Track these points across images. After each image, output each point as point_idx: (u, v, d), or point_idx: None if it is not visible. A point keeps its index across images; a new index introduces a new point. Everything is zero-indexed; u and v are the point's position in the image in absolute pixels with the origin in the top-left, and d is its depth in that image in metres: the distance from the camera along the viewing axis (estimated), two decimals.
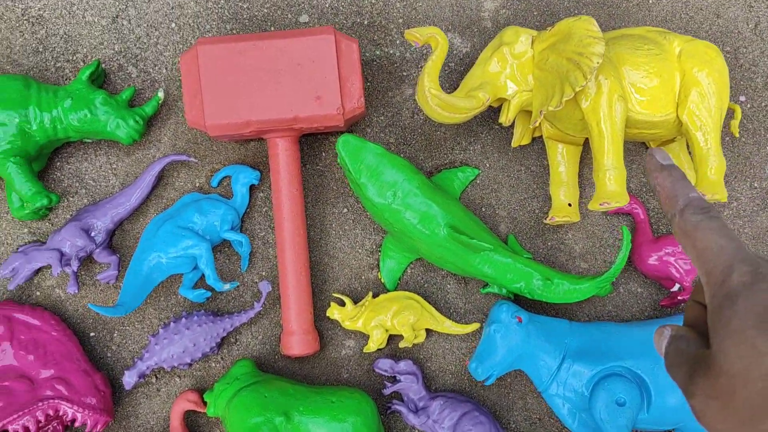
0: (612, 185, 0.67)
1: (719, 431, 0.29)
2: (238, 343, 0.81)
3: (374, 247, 0.82)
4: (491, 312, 0.75)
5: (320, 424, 0.71)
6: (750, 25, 0.83)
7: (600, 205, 0.67)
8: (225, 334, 0.77)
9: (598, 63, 0.63)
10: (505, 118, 0.72)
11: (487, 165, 0.82)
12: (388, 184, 0.73)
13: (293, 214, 0.77)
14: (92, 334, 0.81)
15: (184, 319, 0.76)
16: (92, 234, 0.77)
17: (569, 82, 0.65)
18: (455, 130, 0.82)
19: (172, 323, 0.76)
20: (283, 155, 0.76)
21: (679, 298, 0.76)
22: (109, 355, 0.80)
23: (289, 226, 0.77)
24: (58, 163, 0.81)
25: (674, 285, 0.77)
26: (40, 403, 0.72)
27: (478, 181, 0.82)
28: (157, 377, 0.80)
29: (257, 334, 0.81)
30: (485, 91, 0.70)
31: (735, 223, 0.81)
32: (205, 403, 0.77)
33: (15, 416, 0.71)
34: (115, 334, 0.81)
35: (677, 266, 0.75)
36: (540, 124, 0.78)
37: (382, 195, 0.73)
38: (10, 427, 0.71)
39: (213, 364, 0.81)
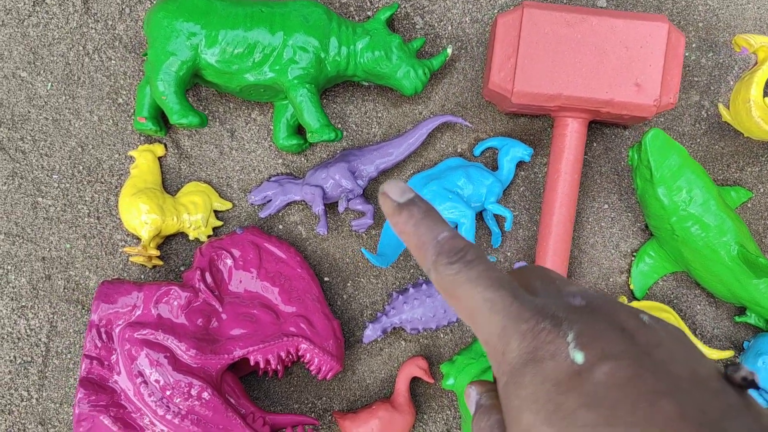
0: None
1: None
2: None
3: (629, 250, 0.78)
4: (757, 343, 0.71)
5: None
6: None
7: None
8: None
9: None
10: None
11: (762, 190, 0.78)
12: (685, 189, 0.69)
13: (567, 200, 0.73)
14: (326, 279, 0.78)
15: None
16: (356, 179, 0.75)
17: None
18: (735, 147, 0.78)
19: (424, 284, 0.73)
20: (571, 137, 0.73)
21: None
22: (338, 303, 0.78)
23: (560, 211, 0.73)
24: (324, 101, 0.79)
25: None
26: (285, 339, 0.70)
27: (748, 205, 0.78)
28: (383, 336, 0.77)
29: None
30: None
31: None
32: (431, 374, 0.74)
33: (260, 346, 0.69)
34: (349, 284, 0.78)
35: None
36: None
37: (675, 198, 0.69)
38: (251, 357, 0.69)
39: (441, 335, 0.78)
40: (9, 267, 0.75)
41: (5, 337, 0.75)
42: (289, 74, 0.69)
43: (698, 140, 0.79)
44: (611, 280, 0.78)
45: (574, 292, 0.26)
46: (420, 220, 0.27)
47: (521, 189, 0.79)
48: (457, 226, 0.74)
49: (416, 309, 0.72)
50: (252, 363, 0.69)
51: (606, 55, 0.69)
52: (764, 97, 0.68)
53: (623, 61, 0.69)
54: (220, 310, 0.70)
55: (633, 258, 0.78)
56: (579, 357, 0.22)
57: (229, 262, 0.72)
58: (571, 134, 0.73)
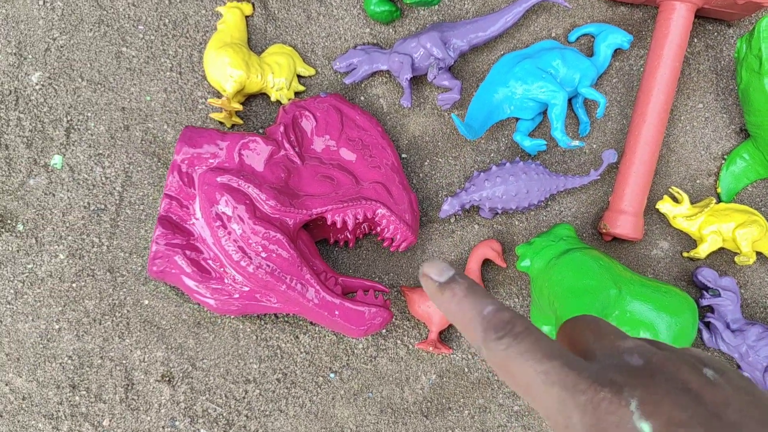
0: None
1: None
2: (550, 208, 0.76)
3: (720, 152, 0.75)
4: None
5: (648, 310, 0.66)
6: None
7: None
8: (556, 192, 0.72)
9: None
10: None
11: None
12: None
13: (666, 88, 0.71)
14: (404, 155, 0.77)
15: (521, 164, 0.71)
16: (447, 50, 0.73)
17: None
18: None
19: (507, 164, 0.71)
20: (677, 22, 0.70)
21: None
22: (414, 181, 0.77)
23: (658, 99, 0.71)
24: None
25: None
26: (364, 201, 0.68)
27: None
28: (456, 218, 0.76)
29: (573, 204, 0.76)
30: None
31: None
32: (503, 259, 0.73)
33: (339, 206, 0.68)
34: (426, 163, 0.76)
35: None
36: None
37: None
38: (329, 216, 0.68)
39: (516, 222, 0.76)
40: (89, 114, 0.75)
41: (81, 182, 0.75)
42: None
43: None
44: (698, 181, 0.76)
45: (631, 348, 0.25)
46: (463, 297, 0.27)
47: (614, 80, 0.76)
48: (548, 108, 0.72)
49: (498, 186, 0.70)
50: (329, 222, 0.68)
51: None
52: None
53: None
54: (301, 166, 0.69)
55: (723, 161, 0.75)
56: (646, 428, 0.21)
57: (312, 123, 0.71)
58: (677, 20, 0.70)
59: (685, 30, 0.70)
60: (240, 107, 0.72)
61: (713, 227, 0.71)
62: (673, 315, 0.66)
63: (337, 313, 0.66)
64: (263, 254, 0.65)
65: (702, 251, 0.71)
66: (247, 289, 0.66)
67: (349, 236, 0.74)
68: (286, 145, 0.69)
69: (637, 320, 0.65)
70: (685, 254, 0.73)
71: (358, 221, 0.69)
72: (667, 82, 0.70)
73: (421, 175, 0.76)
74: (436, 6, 0.76)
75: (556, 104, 0.71)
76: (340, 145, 0.71)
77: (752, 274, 0.75)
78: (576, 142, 0.71)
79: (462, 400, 0.74)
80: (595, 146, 0.76)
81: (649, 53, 0.71)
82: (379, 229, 0.70)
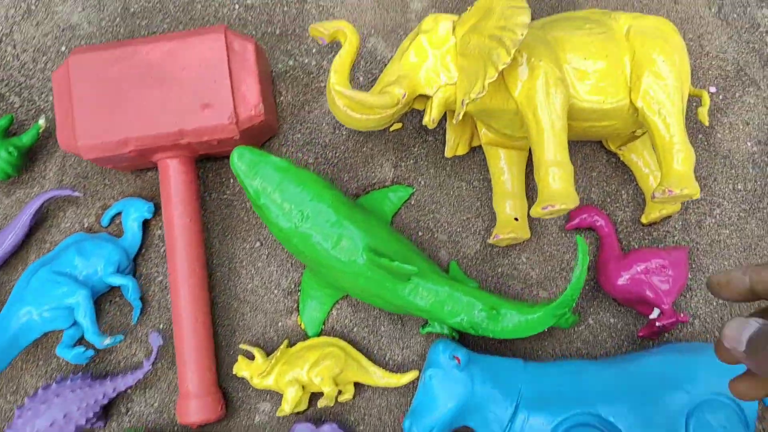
0: (556, 183, 0.54)
1: None
2: (130, 413, 0.66)
3: (293, 286, 0.69)
4: (428, 354, 0.61)
5: None
6: (713, 10, 0.73)
7: (543, 209, 0.54)
8: (106, 402, 0.63)
9: (522, 35, 0.52)
10: (428, 118, 0.61)
11: (422, 182, 0.70)
12: (295, 204, 0.60)
13: (189, 248, 0.64)
14: None
15: (54, 385, 0.63)
16: None
17: (491, 61, 0.54)
18: (384, 144, 0.71)
19: (40, 390, 0.62)
20: (175, 179, 0.65)
21: (658, 324, 0.62)
22: None
23: (183, 264, 0.64)
24: None
25: (652, 310, 0.63)
26: None
27: (412, 201, 0.70)
28: None
29: (152, 400, 0.67)
30: (401, 86, 0.59)
31: (720, 233, 0.68)
32: None
33: None
34: None
35: (653, 285, 0.62)
36: (477, 129, 0.67)
37: (287, 217, 0.60)
38: None
39: None
40: None
41: None
42: None
43: (342, 146, 0.71)
44: (280, 324, 0.68)
45: None
46: None
47: (162, 249, 0.70)
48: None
49: (36, 419, 0.61)
50: None
51: (165, 83, 0.62)
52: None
53: (186, 84, 0.62)
54: None
55: (299, 293, 0.68)
56: None
57: None
58: (174, 176, 0.65)
59: (187, 182, 0.65)
60: None
61: (289, 376, 0.63)
62: None
63: None
64: None
65: (285, 409, 0.63)
66: None
67: None
68: None
69: None
70: (278, 413, 0.64)
71: None
72: (189, 242, 0.64)
73: None
74: None
75: (78, 304, 0.63)
76: None
77: (366, 405, 0.66)
78: (108, 341, 0.63)
79: None
80: (162, 326, 0.68)
81: (163, 217, 0.65)
82: None
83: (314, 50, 0.73)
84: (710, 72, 0.71)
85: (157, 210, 0.69)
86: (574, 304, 0.60)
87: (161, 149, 0.63)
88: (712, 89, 0.70)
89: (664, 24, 0.61)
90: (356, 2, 0.74)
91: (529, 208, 0.67)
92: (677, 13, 0.73)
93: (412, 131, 0.71)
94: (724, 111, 0.70)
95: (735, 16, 0.72)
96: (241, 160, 0.61)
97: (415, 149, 0.71)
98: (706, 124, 0.61)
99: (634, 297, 0.63)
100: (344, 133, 0.71)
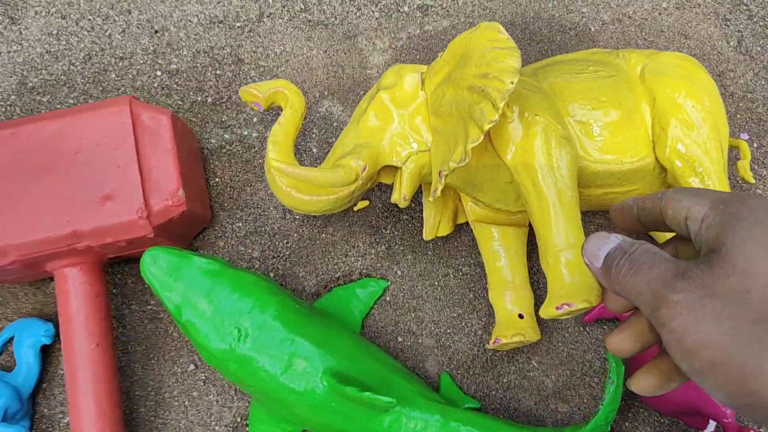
0: (571, 276, 0.40)
1: (705, 334, 0.23)
2: None
3: (239, 419, 0.53)
4: None
5: None
6: (731, 43, 0.61)
7: (558, 309, 0.40)
8: None
9: (512, 83, 0.39)
10: (398, 195, 0.47)
11: (398, 273, 0.56)
12: (230, 317, 0.46)
13: (96, 383, 0.49)
14: None
15: None
16: None
17: (474, 120, 0.40)
18: (347, 227, 0.57)
19: None
20: (75, 294, 0.50)
21: None
22: None
23: (88, 404, 0.48)
24: None
25: (706, 423, 0.48)
26: None
27: (387, 298, 0.55)
28: None
29: None
30: (359, 157, 0.45)
31: None
32: None
33: None
34: None
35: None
36: (463, 202, 0.53)
37: (220, 336, 0.46)
38: None
39: None
40: None
41: None
42: None
43: (295, 235, 0.57)
44: None
45: None
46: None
47: None
48: None
49: None
50: None
51: (57, 171, 0.48)
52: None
53: (80, 172, 0.48)
54: None
55: (247, 428, 0.53)
56: None
57: None
58: (75, 289, 0.50)
59: (91, 296, 0.50)
60: None
61: None
62: None
63: None
64: None
65: None
66: None
67: None
68: None
69: None
70: None
71: None
72: (95, 374, 0.49)
73: None
74: None
75: None
76: None
77: None
78: None
79: None
80: None
81: (62, 345, 0.50)
82: None
83: (255, 119, 0.59)
84: (738, 116, 0.59)
85: (58, 331, 0.54)
86: (608, 429, 0.45)
87: (54, 257, 0.48)
88: (744, 136, 0.58)
89: (685, 60, 0.49)
90: (304, 60, 0.61)
91: (536, 300, 0.53)
92: (690, 50, 0.61)
93: (382, 209, 0.57)
94: (762, 162, 0.57)
95: (759, 48, 0.61)
96: (155, 264, 0.46)
97: (387, 231, 0.57)
98: (752, 181, 0.48)
99: (683, 407, 0.48)
100: (297, 217, 0.57)
